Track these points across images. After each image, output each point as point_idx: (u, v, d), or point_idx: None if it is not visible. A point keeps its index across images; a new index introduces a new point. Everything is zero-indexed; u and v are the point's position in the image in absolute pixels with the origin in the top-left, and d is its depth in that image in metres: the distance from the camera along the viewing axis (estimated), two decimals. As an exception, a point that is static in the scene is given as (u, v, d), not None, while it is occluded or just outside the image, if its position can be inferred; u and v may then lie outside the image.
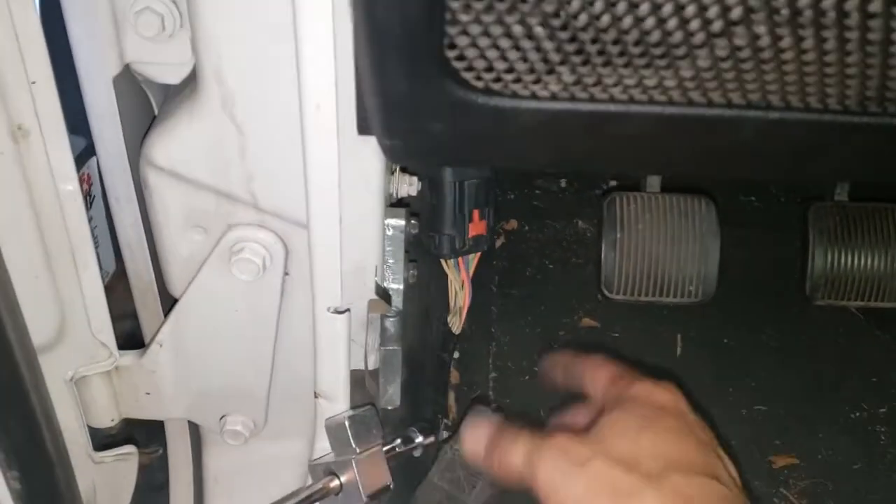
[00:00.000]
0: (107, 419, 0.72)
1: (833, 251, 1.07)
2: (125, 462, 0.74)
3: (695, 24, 0.37)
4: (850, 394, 1.08)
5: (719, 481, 0.50)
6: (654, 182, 0.98)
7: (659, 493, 0.49)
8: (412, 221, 0.71)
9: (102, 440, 0.74)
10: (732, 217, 1.03)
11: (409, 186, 0.69)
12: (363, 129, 0.53)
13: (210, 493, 0.80)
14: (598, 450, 0.50)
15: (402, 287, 0.71)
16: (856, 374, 1.09)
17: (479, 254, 0.79)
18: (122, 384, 0.70)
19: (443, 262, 0.79)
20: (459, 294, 0.79)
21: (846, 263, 1.07)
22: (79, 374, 0.67)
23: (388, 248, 0.68)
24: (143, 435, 0.89)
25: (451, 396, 1.10)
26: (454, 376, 1.12)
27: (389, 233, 0.68)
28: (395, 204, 0.70)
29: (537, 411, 1.09)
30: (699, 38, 0.38)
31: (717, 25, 0.37)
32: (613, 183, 1.13)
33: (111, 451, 0.73)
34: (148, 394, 0.71)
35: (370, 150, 0.57)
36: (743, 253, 1.11)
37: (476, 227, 0.76)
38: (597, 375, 0.58)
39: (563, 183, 1.27)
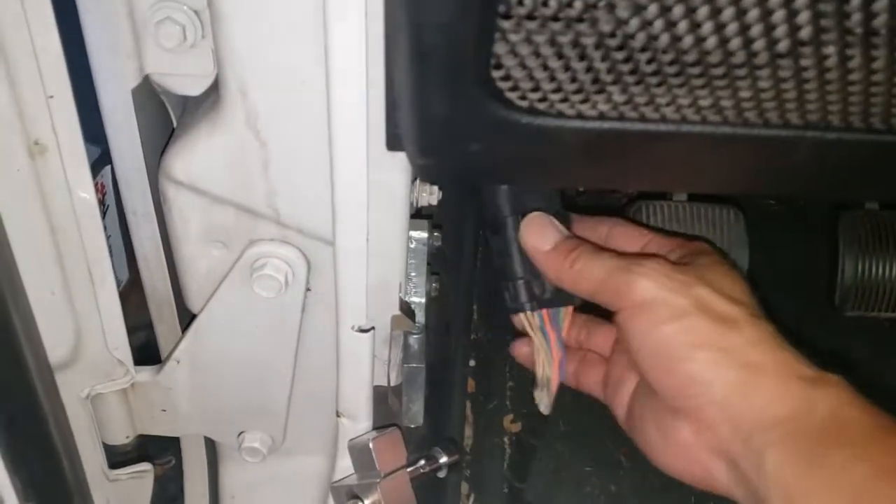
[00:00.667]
0: (122, 436, 0.70)
1: (863, 261, 1.05)
2: (140, 480, 0.72)
3: (759, 45, 0.35)
4: (878, 405, 1.06)
5: None
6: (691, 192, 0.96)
7: (758, 329, 0.49)
8: (435, 234, 0.69)
9: (116, 457, 0.73)
10: (759, 224, 1.01)
11: (429, 196, 0.67)
12: (393, 145, 0.51)
13: (226, 511, 0.78)
14: (701, 280, 0.51)
15: (424, 301, 0.69)
16: (883, 383, 1.07)
17: (570, 308, 0.61)
18: (137, 400, 0.68)
19: (525, 321, 0.60)
20: (547, 363, 0.60)
21: (877, 273, 1.05)
22: (95, 392, 0.65)
23: (410, 262, 0.66)
24: (157, 445, 0.88)
25: (468, 406, 1.08)
26: (470, 385, 1.11)
27: (412, 245, 0.66)
28: (416, 214, 0.68)
29: (556, 422, 1.07)
30: (763, 58, 0.35)
31: (783, 45, 0.35)
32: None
33: (126, 469, 0.71)
34: (164, 410, 0.69)
35: (397, 164, 0.55)
36: (770, 261, 1.09)
37: None
38: (655, 239, 0.58)
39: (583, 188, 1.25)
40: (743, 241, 0.89)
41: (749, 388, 0.47)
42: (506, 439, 1.08)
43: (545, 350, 0.59)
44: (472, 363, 1.12)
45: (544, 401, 0.60)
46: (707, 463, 0.50)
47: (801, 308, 1.07)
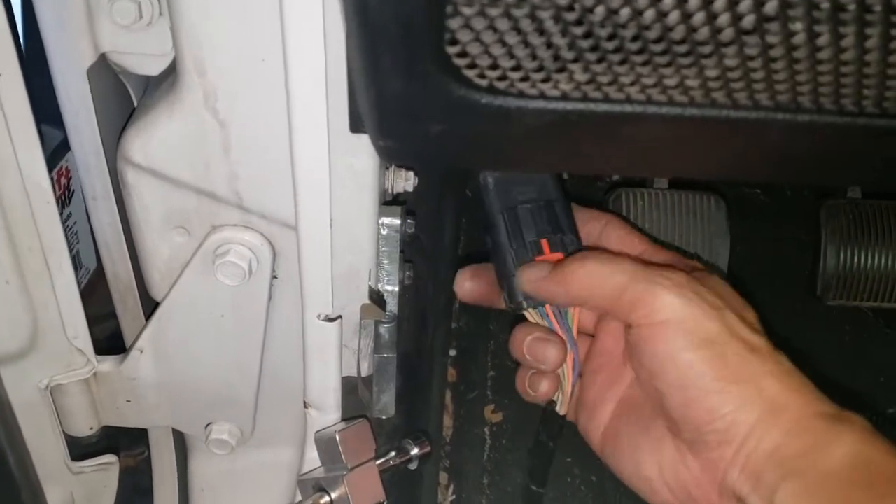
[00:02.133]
0: (85, 427, 0.68)
1: (846, 250, 1.04)
2: (105, 472, 0.70)
3: (724, 20, 0.33)
4: (858, 394, 1.05)
5: None
6: (661, 178, 0.94)
7: (779, 360, 0.47)
8: (408, 220, 0.67)
9: (82, 449, 0.71)
10: (740, 211, 0.99)
11: (405, 182, 0.66)
12: (356, 126, 0.49)
13: (196, 503, 0.76)
14: (726, 303, 0.48)
15: (397, 289, 0.67)
16: (864, 374, 1.06)
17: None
18: (101, 391, 0.67)
19: (528, 315, 0.56)
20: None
21: (859, 262, 1.03)
22: (54, 382, 0.63)
23: (382, 249, 0.64)
24: (129, 436, 0.86)
25: (448, 396, 1.07)
26: (451, 374, 1.09)
27: (384, 232, 0.64)
28: (392, 201, 0.66)
29: (537, 412, 1.06)
30: (728, 34, 0.34)
31: (748, 21, 0.33)
32: (617, 177, 1.09)
33: (90, 461, 0.69)
34: (129, 401, 0.68)
35: (363, 146, 0.54)
36: (751, 250, 1.08)
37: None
38: (648, 251, 0.54)
39: (564, 175, 1.23)
40: (724, 230, 0.88)
41: (770, 426, 0.45)
42: (486, 429, 1.06)
43: None
44: (452, 352, 1.11)
45: (560, 399, 0.56)
46: (711, 499, 0.47)
47: (783, 297, 1.06)
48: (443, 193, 1.05)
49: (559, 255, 0.55)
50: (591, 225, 0.57)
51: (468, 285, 0.59)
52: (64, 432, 0.67)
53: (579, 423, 0.57)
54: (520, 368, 0.57)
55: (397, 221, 0.65)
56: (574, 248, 0.56)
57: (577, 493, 1.00)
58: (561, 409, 0.57)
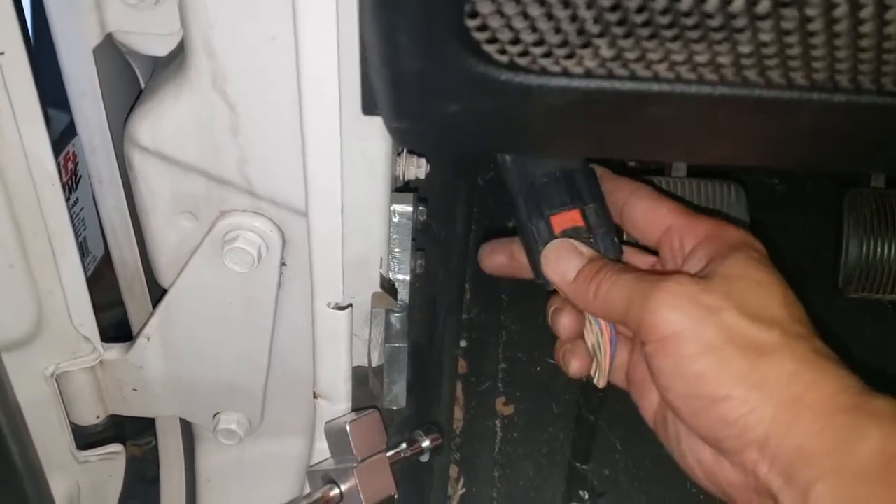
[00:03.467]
0: (91, 416, 0.67)
1: (869, 241, 1.01)
2: (112, 461, 0.69)
3: (761, -9, 0.31)
4: (877, 387, 1.03)
5: None
6: (679, 165, 0.92)
7: (793, 354, 0.44)
8: (420, 207, 0.66)
9: (88, 438, 0.70)
10: (760, 201, 0.97)
11: (416, 168, 0.64)
12: (368, 108, 0.48)
13: (203, 493, 0.75)
14: (729, 301, 0.46)
15: (408, 278, 0.65)
16: (885, 366, 1.04)
17: None
18: (107, 379, 0.65)
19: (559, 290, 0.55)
20: (593, 331, 0.54)
21: (882, 254, 1.01)
22: (60, 370, 0.62)
23: (394, 237, 0.63)
24: (136, 425, 0.85)
25: (459, 388, 1.05)
26: (462, 366, 1.08)
27: (395, 219, 0.63)
28: (403, 188, 0.65)
29: (550, 405, 1.04)
30: (765, 6, 0.32)
31: (787, -8, 0.31)
32: (634, 164, 1.07)
33: (97, 451, 0.68)
34: (135, 390, 0.66)
35: (375, 130, 0.52)
36: (771, 240, 1.06)
37: None
38: (677, 224, 0.53)
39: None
40: (744, 220, 0.86)
41: (789, 425, 0.43)
42: (497, 422, 1.05)
43: (588, 319, 0.54)
44: (463, 343, 1.09)
45: (598, 372, 0.55)
46: (749, 499, 0.46)
47: (803, 289, 1.04)
48: (455, 181, 1.04)
49: (576, 218, 0.54)
50: (616, 196, 0.55)
51: (488, 260, 0.60)
52: (70, 421, 0.66)
53: (633, 397, 0.56)
54: (557, 341, 0.57)
55: (409, 209, 0.63)
56: (596, 224, 0.54)
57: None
58: (599, 382, 0.56)
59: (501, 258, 0.60)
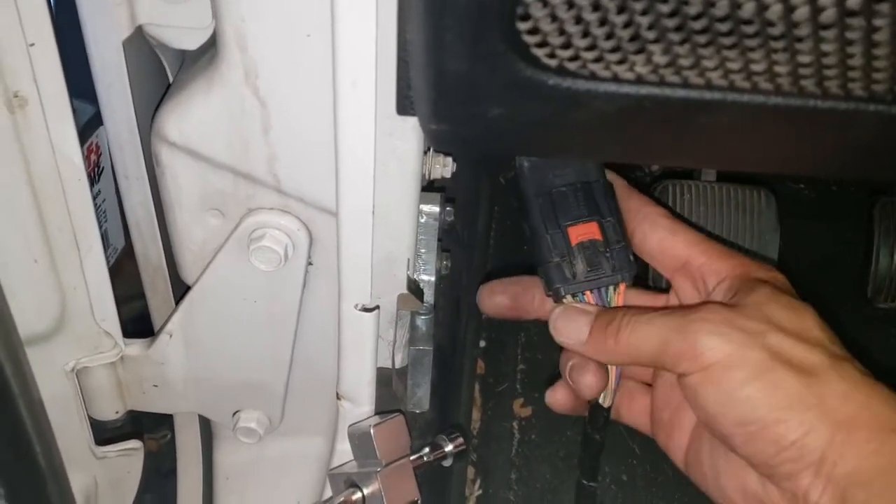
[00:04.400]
0: (111, 411, 0.66)
1: (900, 251, 1.00)
2: (130, 457, 0.68)
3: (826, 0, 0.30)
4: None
5: None
6: (710, 170, 0.90)
7: (841, 375, 0.44)
8: (447, 208, 0.65)
9: (106, 433, 0.69)
10: (790, 208, 0.95)
11: (443, 168, 0.63)
12: (403, 109, 0.47)
13: (221, 491, 0.75)
14: (770, 324, 0.45)
15: (433, 279, 0.64)
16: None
17: (621, 285, 0.53)
18: (127, 375, 0.65)
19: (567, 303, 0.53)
20: None
21: (913, 264, 0.99)
22: (80, 365, 0.61)
23: (420, 237, 0.62)
24: (151, 418, 0.84)
25: (476, 388, 1.04)
26: (479, 367, 1.07)
27: (422, 220, 0.62)
28: (428, 187, 0.63)
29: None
30: (829, 16, 0.31)
31: (853, 2, 0.30)
32: (658, 168, 1.05)
33: (115, 446, 0.68)
34: (156, 386, 0.66)
35: (408, 129, 0.51)
36: (800, 248, 1.04)
37: None
38: (698, 261, 0.51)
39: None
40: (774, 227, 0.84)
41: (845, 447, 0.42)
42: (514, 423, 1.04)
43: None
44: (482, 344, 1.08)
45: (605, 391, 0.53)
46: None
47: (832, 297, 1.02)
48: (478, 180, 1.03)
49: (593, 230, 0.53)
50: (628, 219, 0.54)
51: (489, 301, 0.58)
52: (89, 416, 0.65)
53: (658, 440, 0.55)
54: (562, 357, 0.55)
55: (436, 209, 0.62)
56: (610, 243, 0.53)
57: (608, 491, 0.98)
58: (605, 402, 0.54)
59: (504, 300, 0.59)
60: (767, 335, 0.44)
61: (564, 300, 0.53)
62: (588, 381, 0.52)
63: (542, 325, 0.99)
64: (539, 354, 1.08)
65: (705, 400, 0.45)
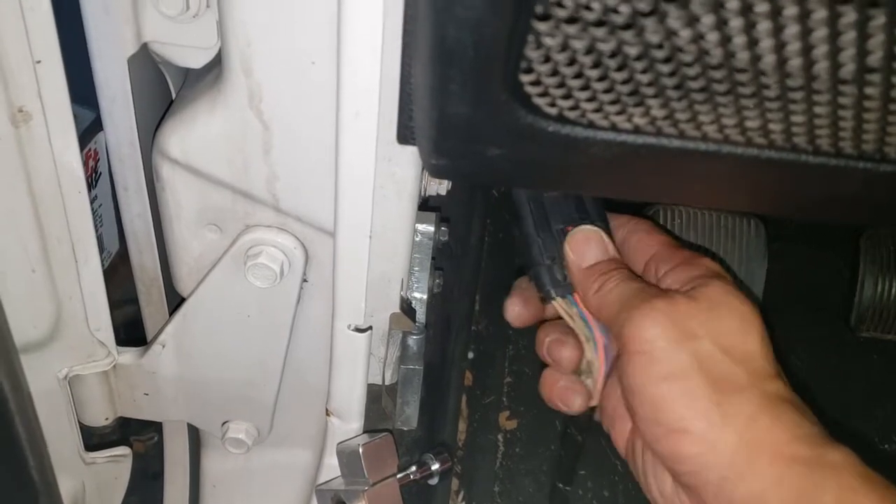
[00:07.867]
0: (101, 418, 0.67)
1: (884, 281, 1.01)
2: (118, 464, 0.69)
3: (822, 67, 0.31)
4: (882, 424, 1.03)
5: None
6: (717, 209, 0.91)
7: (760, 395, 0.44)
8: (442, 227, 0.65)
9: (95, 439, 0.70)
10: (777, 236, 0.97)
11: (438, 185, 0.64)
12: (404, 138, 0.47)
13: (207, 498, 0.75)
14: (709, 329, 0.45)
15: (426, 297, 0.65)
16: (889, 404, 1.04)
17: None
18: (119, 383, 0.65)
19: (560, 308, 0.54)
20: (589, 347, 0.53)
21: (897, 295, 1.01)
22: (73, 373, 0.62)
23: (414, 256, 0.63)
24: (139, 420, 0.85)
25: (464, 400, 1.05)
26: (467, 378, 1.07)
27: (417, 239, 0.62)
28: (422, 203, 0.64)
29: (553, 422, 1.04)
30: (823, 82, 0.32)
31: (847, 70, 0.31)
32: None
33: (104, 452, 0.68)
34: (147, 394, 0.66)
35: (407, 156, 0.52)
36: (787, 276, 1.05)
37: None
38: (659, 253, 0.52)
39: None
40: (762, 254, 0.85)
41: (745, 472, 0.42)
42: (500, 436, 1.05)
43: (585, 335, 0.53)
44: (470, 355, 1.09)
45: (593, 388, 0.54)
46: None
47: (816, 326, 1.04)
48: (472, 196, 1.03)
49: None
50: (618, 232, 0.55)
51: (517, 311, 0.58)
52: (79, 422, 0.65)
53: (604, 425, 0.56)
54: (544, 375, 0.56)
55: (431, 229, 0.63)
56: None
57: (589, 507, 0.99)
58: (592, 400, 0.55)
59: (521, 311, 0.58)
60: (701, 341, 0.44)
61: (555, 302, 0.54)
62: (566, 355, 0.53)
63: (529, 339, 1.00)
64: (526, 368, 1.09)
65: (627, 381, 0.46)
